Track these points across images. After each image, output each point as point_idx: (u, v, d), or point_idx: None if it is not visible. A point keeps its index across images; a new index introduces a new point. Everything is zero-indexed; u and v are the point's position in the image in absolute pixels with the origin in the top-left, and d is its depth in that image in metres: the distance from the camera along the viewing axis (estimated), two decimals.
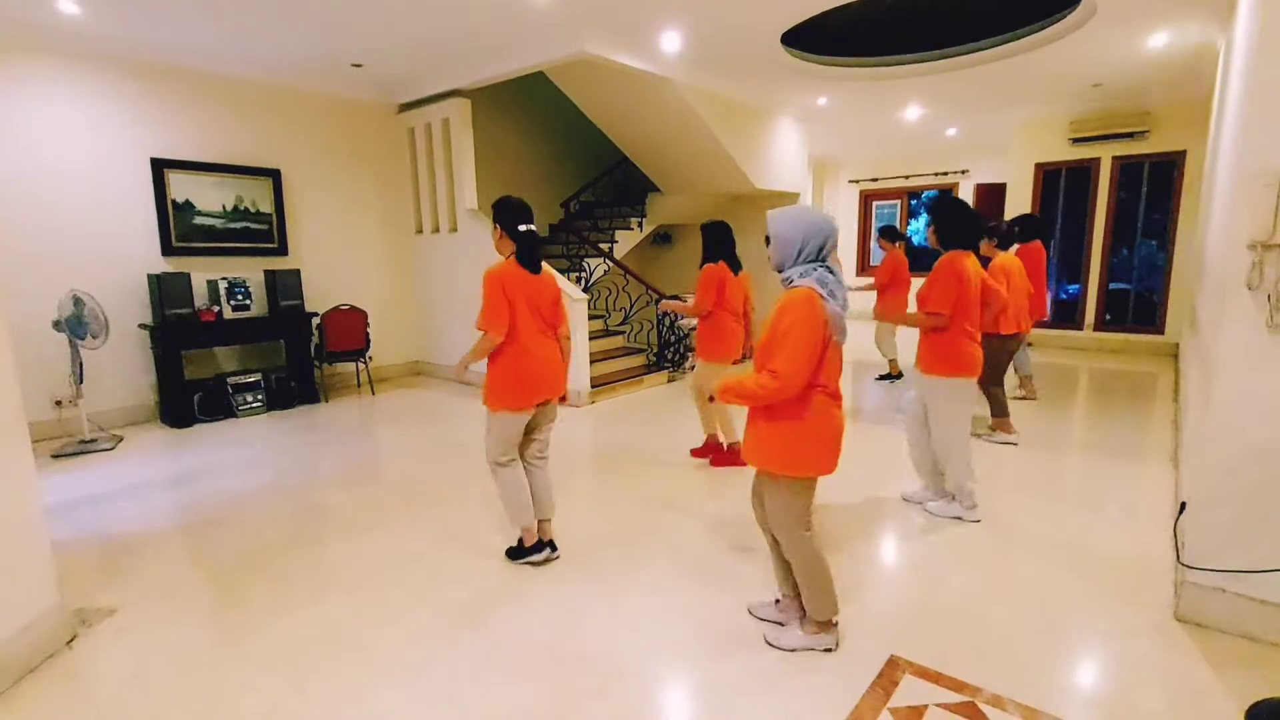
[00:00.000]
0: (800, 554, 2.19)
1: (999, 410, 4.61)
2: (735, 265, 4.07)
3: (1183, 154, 7.50)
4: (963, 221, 3.22)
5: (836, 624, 2.27)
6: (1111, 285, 8.24)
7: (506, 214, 2.72)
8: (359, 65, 5.82)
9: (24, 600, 2.24)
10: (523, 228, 2.71)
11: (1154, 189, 7.85)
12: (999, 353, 4.49)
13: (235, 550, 3.12)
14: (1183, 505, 2.73)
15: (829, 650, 2.24)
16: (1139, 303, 8.19)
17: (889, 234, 6.35)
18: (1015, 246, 5.39)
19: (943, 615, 2.49)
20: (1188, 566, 2.40)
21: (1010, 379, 5.75)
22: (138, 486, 4.02)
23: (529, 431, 2.88)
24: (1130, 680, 2.12)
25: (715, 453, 4.25)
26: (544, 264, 2.85)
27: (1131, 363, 7.45)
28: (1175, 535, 2.82)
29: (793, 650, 2.24)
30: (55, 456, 4.55)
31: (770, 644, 2.27)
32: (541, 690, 2.08)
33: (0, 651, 2.11)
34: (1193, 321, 5.04)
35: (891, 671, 2.14)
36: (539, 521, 2.91)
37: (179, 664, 2.26)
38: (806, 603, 2.24)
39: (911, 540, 3.15)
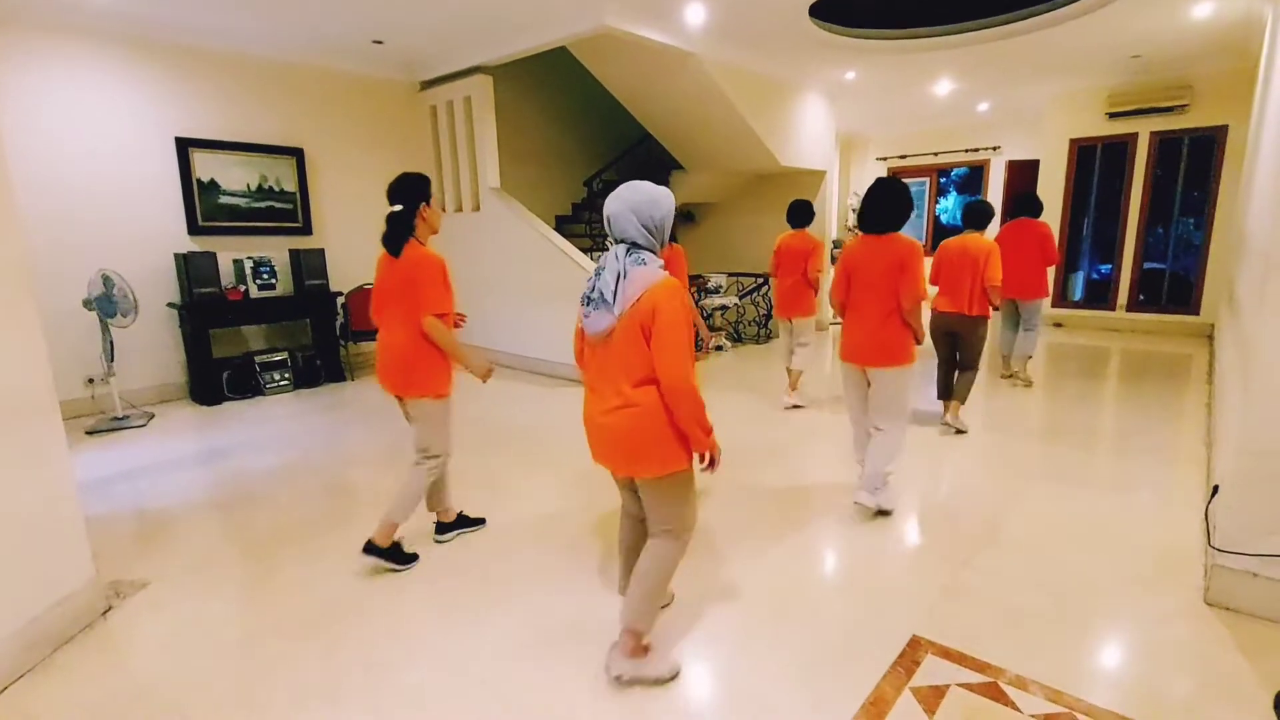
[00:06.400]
0: None
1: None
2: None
3: (1224, 128, 7.22)
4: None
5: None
6: (1146, 265, 8.01)
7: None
8: (380, 42, 5.80)
9: (60, 573, 2.31)
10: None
11: (1193, 165, 7.58)
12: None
13: (266, 526, 3.19)
14: (1215, 488, 2.67)
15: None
16: (1174, 283, 7.96)
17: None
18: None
19: (967, 597, 2.47)
20: (1219, 550, 2.35)
21: None
22: (170, 463, 4.12)
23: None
24: (1158, 664, 2.09)
25: None
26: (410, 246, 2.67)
27: (1165, 344, 7.26)
28: (1207, 519, 2.76)
29: None
30: (89, 433, 4.67)
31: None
32: (564, 668, 2.11)
33: (37, 622, 2.18)
34: (1231, 302, 4.89)
35: (913, 651, 2.13)
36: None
37: (212, 635, 2.33)
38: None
39: (934, 522, 3.13)
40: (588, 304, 1.91)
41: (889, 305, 3.00)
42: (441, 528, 2.98)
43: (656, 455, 1.88)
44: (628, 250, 1.85)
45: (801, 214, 4.93)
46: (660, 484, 1.93)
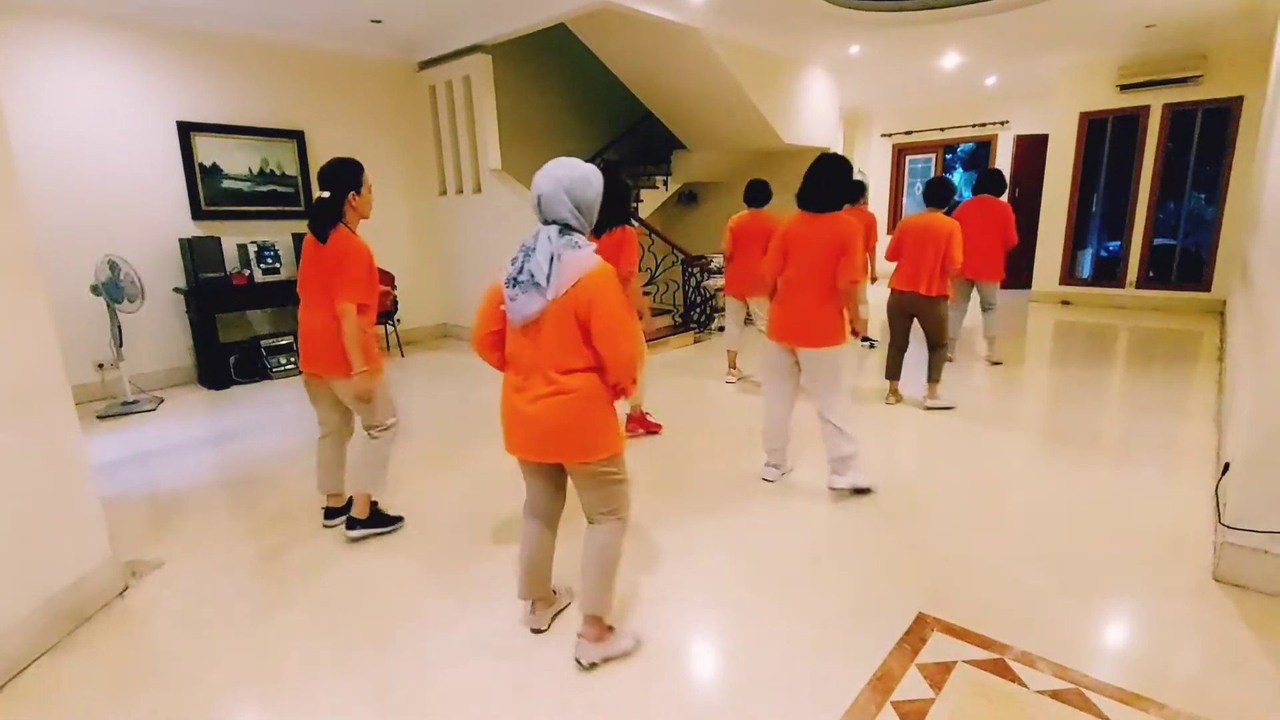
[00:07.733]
0: None
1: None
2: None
3: (1239, 100, 7.07)
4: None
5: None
6: (1156, 241, 7.91)
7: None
8: (378, 21, 5.73)
9: (79, 553, 2.35)
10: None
11: (1206, 138, 7.44)
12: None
13: (274, 506, 3.22)
14: (1226, 466, 2.66)
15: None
16: (1185, 259, 7.86)
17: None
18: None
19: (974, 575, 2.47)
20: (1229, 528, 2.34)
21: None
22: (180, 446, 4.14)
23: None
24: (1165, 640, 2.09)
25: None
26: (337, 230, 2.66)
27: (1175, 321, 7.19)
28: (1217, 496, 2.75)
29: None
30: (100, 417, 4.69)
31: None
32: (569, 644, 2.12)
33: (58, 601, 2.22)
34: (1244, 277, 4.83)
35: (919, 629, 2.14)
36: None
37: (226, 613, 2.36)
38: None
39: (938, 500, 3.12)
40: (514, 285, 1.82)
41: (827, 286, 2.98)
42: (331, 513, 2.95)
43: (601, 440, 1.89)
44: (560, 231, 1.79)
45: (759, 193, 5.00)
46: (600, 466, 1.92)
